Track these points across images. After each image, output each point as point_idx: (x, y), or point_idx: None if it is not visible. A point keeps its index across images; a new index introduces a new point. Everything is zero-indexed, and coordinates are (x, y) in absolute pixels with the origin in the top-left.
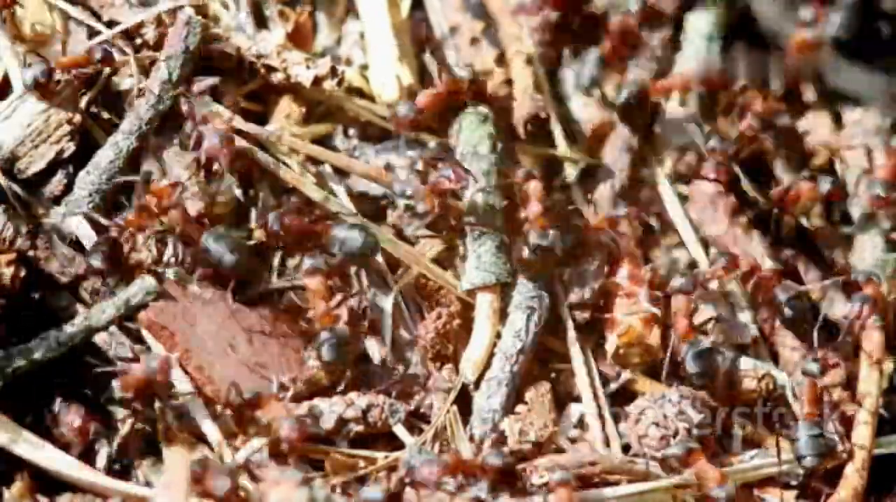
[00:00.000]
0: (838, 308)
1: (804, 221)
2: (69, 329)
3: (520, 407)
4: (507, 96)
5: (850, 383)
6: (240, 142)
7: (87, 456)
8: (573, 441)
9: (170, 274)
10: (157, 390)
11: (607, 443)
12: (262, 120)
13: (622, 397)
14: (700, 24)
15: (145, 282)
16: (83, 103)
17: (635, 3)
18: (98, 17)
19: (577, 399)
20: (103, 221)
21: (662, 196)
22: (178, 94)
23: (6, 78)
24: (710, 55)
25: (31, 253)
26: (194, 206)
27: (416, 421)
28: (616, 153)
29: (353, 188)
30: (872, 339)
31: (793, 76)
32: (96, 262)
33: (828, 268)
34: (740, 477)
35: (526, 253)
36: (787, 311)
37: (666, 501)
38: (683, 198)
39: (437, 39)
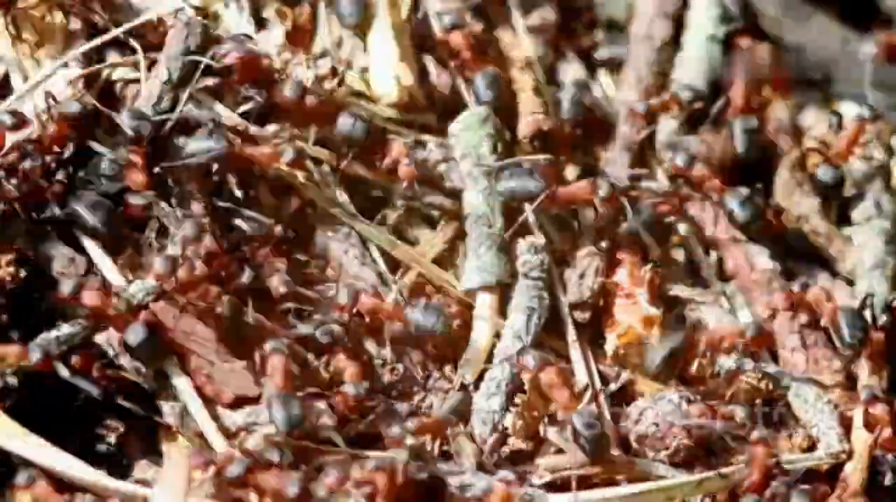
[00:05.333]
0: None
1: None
2: (69, 329)
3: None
4: (508, 97)
5: (850, 383)
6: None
7: (88, 456)
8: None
9: None
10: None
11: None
12: (261, 120)
13: (622, 397)
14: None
15: (145, 283)
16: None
17: None
18: (99, 16)
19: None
20: None
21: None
22: (177, 95)
23: (6, 78)
24: (712, 55)
25: (31, 253)
26: None
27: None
28: (616, 153)
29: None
30: (872, 339)
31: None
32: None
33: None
34: (740, 478)
35: None
36: None
37: (666, 501)
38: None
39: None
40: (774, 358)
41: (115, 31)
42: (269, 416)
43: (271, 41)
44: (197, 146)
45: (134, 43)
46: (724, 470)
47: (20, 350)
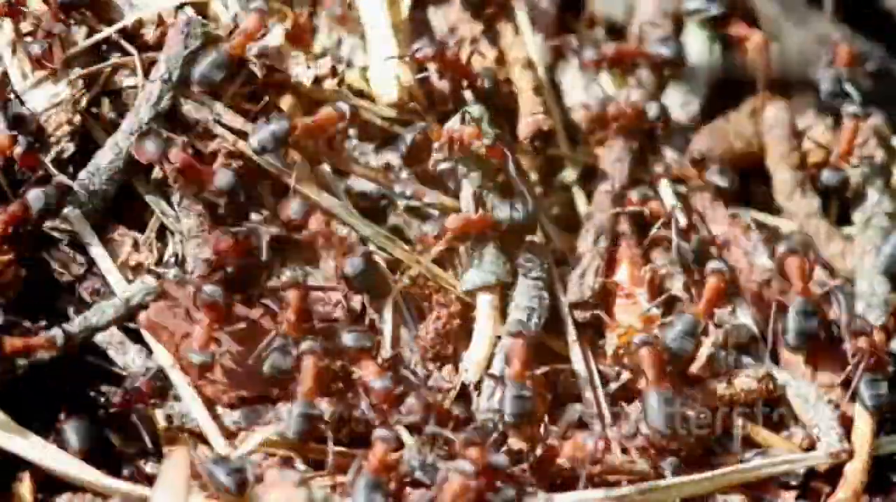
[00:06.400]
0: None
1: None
2: (69, 329)
3: None
4: (507, 96)
5: (850, 383)
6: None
7: (87, 456)
8: None
9: (170, 274)
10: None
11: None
12: None
13: (622, 397)
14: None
15: (145, 282)
16: (83, 103)
17: None
18: (98, 16)
19: (577, 399)
20: None
21: (662, 196)
22: (177, 95)
23: (6, 77)
24: (712, 55)
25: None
26: None
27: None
28: (616, 153)
29: (352, 188)
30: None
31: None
32: None
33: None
34: (740, 477)
35: None
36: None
37: (666, 501)
38: (683, 199)
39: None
40: (775, 358)
41: (111, 28)
42: None
43: (271, 41)
44: (262, 135)
45: (127, 45)
46: (722, 470)
47: (45, 340)
